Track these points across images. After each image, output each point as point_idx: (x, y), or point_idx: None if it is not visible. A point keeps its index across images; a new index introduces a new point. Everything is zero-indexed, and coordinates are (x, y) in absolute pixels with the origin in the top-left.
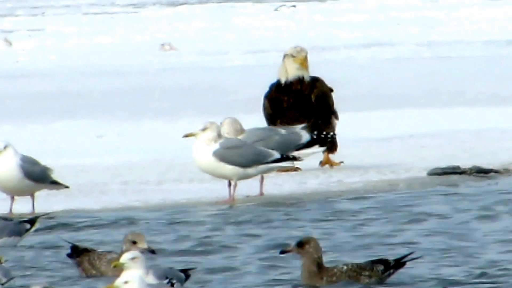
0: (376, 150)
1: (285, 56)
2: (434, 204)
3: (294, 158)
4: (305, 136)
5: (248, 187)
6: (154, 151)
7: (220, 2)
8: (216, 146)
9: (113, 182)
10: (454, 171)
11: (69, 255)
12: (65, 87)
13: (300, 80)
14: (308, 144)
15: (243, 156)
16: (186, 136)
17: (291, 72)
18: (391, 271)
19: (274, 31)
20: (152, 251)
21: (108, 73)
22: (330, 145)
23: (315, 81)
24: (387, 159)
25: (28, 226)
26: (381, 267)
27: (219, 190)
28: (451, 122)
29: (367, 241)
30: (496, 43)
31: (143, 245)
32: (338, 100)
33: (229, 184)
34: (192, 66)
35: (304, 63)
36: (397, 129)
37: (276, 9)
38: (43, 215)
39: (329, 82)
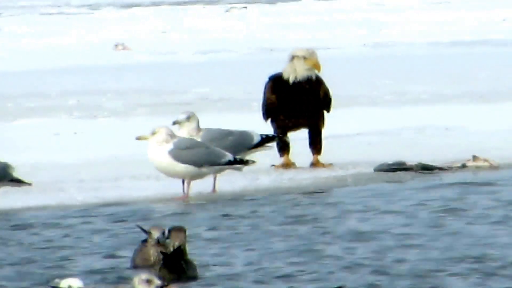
0: (325, 147)
1: (293, 57)
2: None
3: (247, 162)
4: (256, 137)
5: (201, 184)
6: (110, 149)
7: (172, 4)
8: (170, 146)
9: (70, 179)
10: (400, 167)
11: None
12: (21, 87)
13: (309, 79)
14: (259, 144)
15: (196, 156)
16: (139, 138)
17: (301, 72)
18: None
19: (224, 32)
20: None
21: (64, 72)
22: (319, 146)
23: (320, 78)
24: (335, 156)
25: None
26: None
27: (175, 187)
28: (397, 120)
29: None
30: (440, 44)
31: (154, 235)
32: None
33: (183, 181)
34: (144, 66)
35: (317, 65)
36: (344, 127)
37: (227, 11)
38: None
39: None
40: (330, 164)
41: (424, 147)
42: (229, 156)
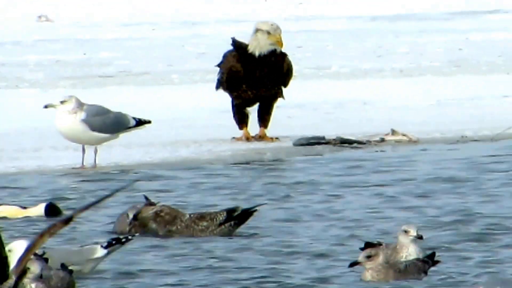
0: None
1: (257, 30)
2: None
3: (146, 122)
4: (132, 120)
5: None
6: (30, 120)
7: None
8: (83, 114)
9: None
10: (319, 141)
11: None
12: None
13: (273, 53)
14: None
15: (108, 122)
16: (46, 106)
17: (264, 46)
18: (236, 221)
19: (148, 5)
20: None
21: None
22: (268, 119)
23: (283, 52)
24: (254, 130)
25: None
26: (222, 216)
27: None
28: (316, 93)
29: None
30: (361, 19)
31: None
32: (208, 73)
33: (83, 151)
34: (67, 38)
35: (280, 42)
36: None
37: None
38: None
39: (199, 57)
40: (277, 138)
41: (343, 121)
42: (132, 121)
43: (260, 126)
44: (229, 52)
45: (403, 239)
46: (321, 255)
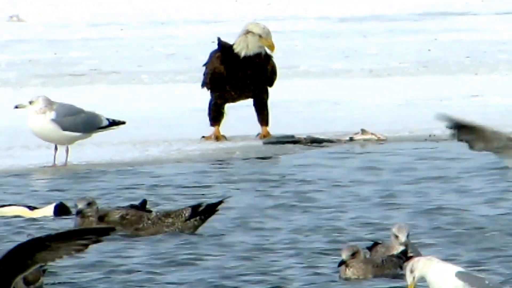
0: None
1: (248, 32)
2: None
3: (120, 123)
4: (104, 121)
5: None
6: (2, 119)
7: None
8: (53, 114)
9: None
10: (289, 140)
11: None
12: None
13: (258, 54)
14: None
15: (79, 122)
16: (17, 107)
17: (253, 48)
18: (201, 216)
19: (118, 5)
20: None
21: None
22: (267, 118)
23: (268, 53)
24: (223, 128)
25: None
26: (187, 212)
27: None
28: (287, 93)
29: None
30: (330, 19)
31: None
32: (178, 74)
33: (56, 149)
34: (38, 38)
35: (272, 46)
36: None
37: None
38: None
39: (167, 57)
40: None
41: (313, 120)
42: (105, 121)
43: (262, 125)
44: (214, 52)
45: (394, 241)
46: (294, 254)
